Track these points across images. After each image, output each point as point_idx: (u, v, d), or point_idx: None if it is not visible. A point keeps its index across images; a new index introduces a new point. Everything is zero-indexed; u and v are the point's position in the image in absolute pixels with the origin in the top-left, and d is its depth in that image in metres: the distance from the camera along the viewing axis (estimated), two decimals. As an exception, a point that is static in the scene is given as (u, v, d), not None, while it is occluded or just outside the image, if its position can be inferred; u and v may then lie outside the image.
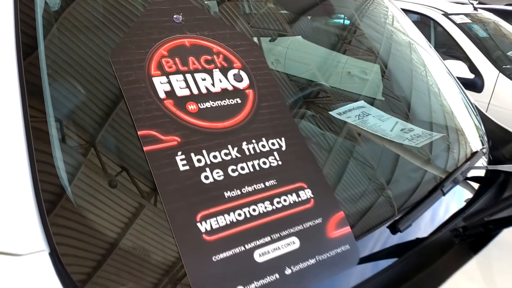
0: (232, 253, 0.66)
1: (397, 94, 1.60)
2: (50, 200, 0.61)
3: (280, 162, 0.77)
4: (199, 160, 0.71)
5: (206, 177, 0.70)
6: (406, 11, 3.95)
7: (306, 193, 0.77)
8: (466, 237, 0.82)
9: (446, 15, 3.41)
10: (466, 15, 3.52)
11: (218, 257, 0.65)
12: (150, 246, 0.69)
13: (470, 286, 0.73)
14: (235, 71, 0.83)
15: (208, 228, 0.67)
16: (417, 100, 1.58)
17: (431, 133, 1.34)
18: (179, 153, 0.70)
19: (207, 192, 0.69)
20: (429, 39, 4.12)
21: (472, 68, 3.17)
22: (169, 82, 0.76)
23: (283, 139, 0.80)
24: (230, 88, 0.80)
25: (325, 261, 0.72)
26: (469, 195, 1.09)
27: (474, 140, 1.39)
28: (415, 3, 3.71)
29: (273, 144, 0.79)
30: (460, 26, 3.32)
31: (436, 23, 3.48)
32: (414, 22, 4.17)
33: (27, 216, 0.58)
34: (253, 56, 0.87)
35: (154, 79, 0.75)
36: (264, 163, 0.76)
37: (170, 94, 0.75)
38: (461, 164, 1.13)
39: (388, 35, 1.64)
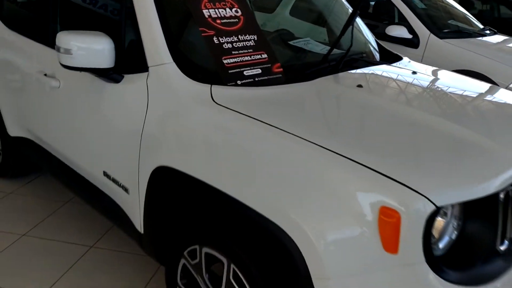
0: (236, 71, 1.82)
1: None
2: (174, 38, 1.78)
3: (254, 43, 1.93)
4: (223, 39, 1.86)
5: (225, 45, 1.86)
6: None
7: (265, 56, 1.92)
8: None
9: (393, -9, 4.54)
10: (411, -8, 4.64)
11: (231, 71, 1.81)
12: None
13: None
14: (235, 8, 1.98)
15: (227, 62, 1.82)
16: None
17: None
18: (215, 37, 1.86)
19: (226, 50, 1.85)
20: (394, 16, 5.22)
21: (411, 30, 4.31)
22: (209, 12, 1.91)
23: (255, 36, 1.96)
24: (233, 15, 1.96)
25: (270, 79, 1.88)
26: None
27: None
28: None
29: (252, 37, 1.94)
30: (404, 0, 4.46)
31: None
32: (382, 2, 5.28)
33: (163, 47, 1.75)
34: (244, 3, 2.03)
35: (203, 10, 1.90)
36: (247, 43, 1.92)
37: (210, 15, 1.90)
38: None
39: None
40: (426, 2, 4.69)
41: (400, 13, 4.95)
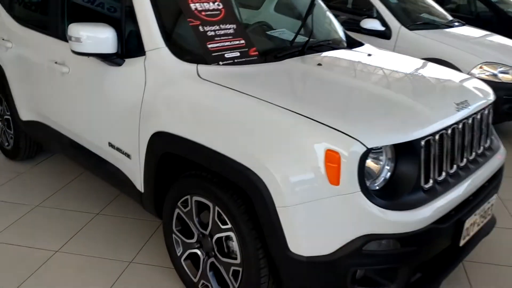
0: (218, 54, 2.20)
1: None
2: (166, 27, 2.16)
3: (233, 31, 2.32)
4: (207, 28, 2.24)
5: (209, 33, 2.24)
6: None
7: (242, 42, 2.31)
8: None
9: (367, -12, 4.94)
10: (385, -12, 5.04)
11: (214, 54, 2.19)
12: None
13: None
14: (217, 2, 2.37)
15: (211, 46, 2.20)
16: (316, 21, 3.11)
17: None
18: (200, 26, 2.24)
19: (210, 37, 2.23)
20: (373, 12, 5.61)
21: (383, 23, 4.71)
22: (195, 5, 2.29)
23: (234, 25, 2.34)
24: (215, 8, 2.34)
25: (246, 60, 2.26)
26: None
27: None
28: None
29: (231, 26, 2.33)
30: (375, -4, 4.87)
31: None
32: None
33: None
34: (225, -1, 2.42)
35: (190, 4, 2.28)
36: (228, 31, 2.30)
37: (196, 8, 2.28)
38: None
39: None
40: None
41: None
